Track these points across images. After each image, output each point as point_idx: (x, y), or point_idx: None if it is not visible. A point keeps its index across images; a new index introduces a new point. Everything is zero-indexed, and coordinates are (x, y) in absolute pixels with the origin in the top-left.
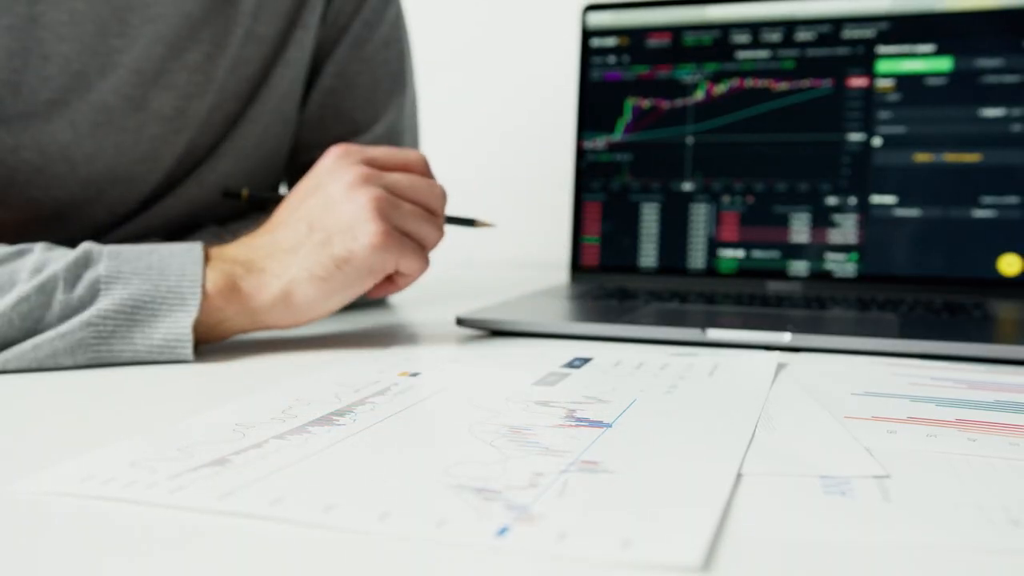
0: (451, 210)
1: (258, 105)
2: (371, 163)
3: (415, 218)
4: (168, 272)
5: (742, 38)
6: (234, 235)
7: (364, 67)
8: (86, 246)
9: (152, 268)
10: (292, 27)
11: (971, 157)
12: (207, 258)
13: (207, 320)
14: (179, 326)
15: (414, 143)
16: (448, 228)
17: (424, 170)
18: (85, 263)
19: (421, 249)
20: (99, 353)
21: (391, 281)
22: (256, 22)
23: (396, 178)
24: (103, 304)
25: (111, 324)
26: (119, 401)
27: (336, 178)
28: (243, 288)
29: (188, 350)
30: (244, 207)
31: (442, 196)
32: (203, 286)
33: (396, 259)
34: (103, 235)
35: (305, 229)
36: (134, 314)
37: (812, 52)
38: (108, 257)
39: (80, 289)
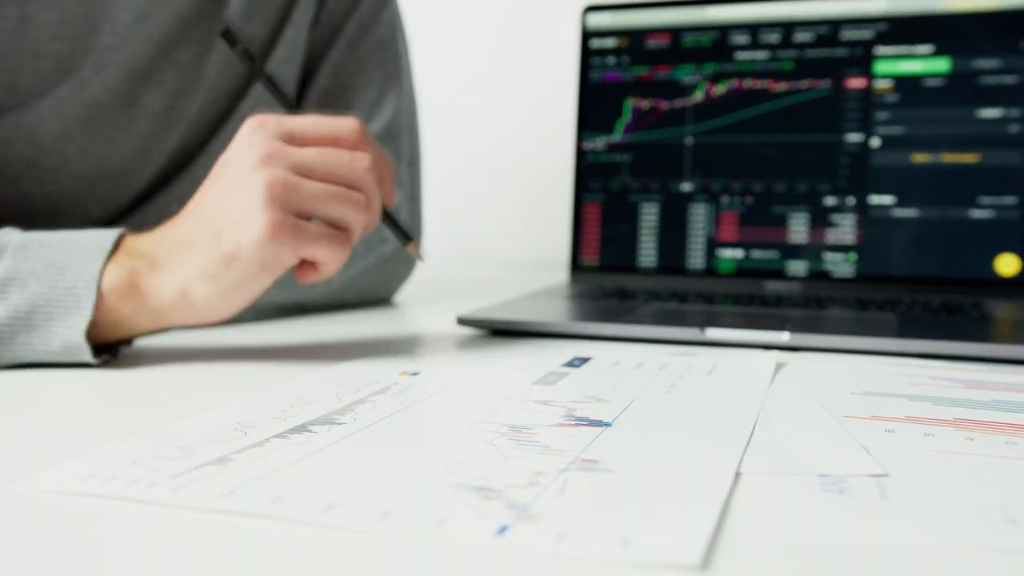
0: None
1: (248, 102)
2: (289, 137)
3: (326, 200)
4: (67, 271)
5: (741, 39)
6: None
7: (359, 67)
8: None
9: (52, 266)
10: (282, 27)
11: (969, 158)
12: (117, 248)
13: (105, 320)
14: (73, 332)
15: (413, 144)
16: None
17: (354, 140)
18: None
19: (337, 234)
20: (1, 356)
21: (313, 268)
22: (246, 22)
23: (306, 154)
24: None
25: (8, 331)
26: (120, 400)
27: (241, 157)
28: (142, 286)
29: (87, 356)
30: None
31: (369, 168)
32: (99, 286)
33: (293, 250)
34: None
35: (203, 219)
36: (30, 319)
37: (811, 53)
38: (12, 254)
39: None
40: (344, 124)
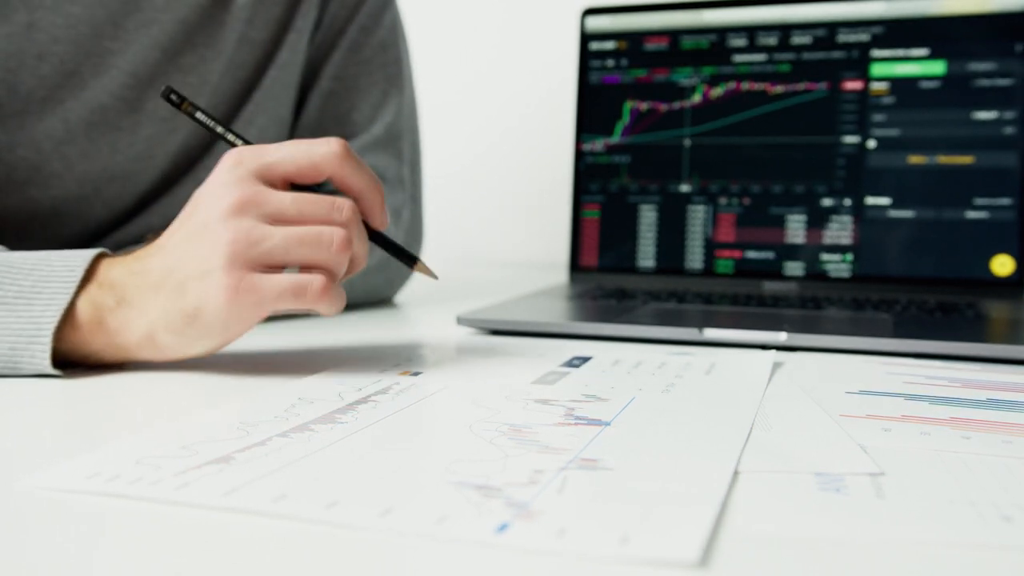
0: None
1: (251, 106)
2: (267, 171)
3: (293, 246)
4: (36, 300)
5: (738, 42)
6: None
7: (362, 69)
8: None
9: (22, 296)
10: (285, 31)
11: (964, 159)
12: (91, 275)
13: (74, 352)
14: (35, 366)
15: (414, 146)
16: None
17: (337, 165)
18: None
19: (309, 283)
20: None
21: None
22: (250, 27)
23: (281, 201)
24: None
25: None
26: (123, 399)
27: (212, 201)
28: (109, 323)
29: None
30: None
31: (349, 209)
32: (59, 323)
33: (256, 311)
34: (105, 235)
35: (170, 262)
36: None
37: (807, 56)
38: None
39: None
40: (326, 149)
